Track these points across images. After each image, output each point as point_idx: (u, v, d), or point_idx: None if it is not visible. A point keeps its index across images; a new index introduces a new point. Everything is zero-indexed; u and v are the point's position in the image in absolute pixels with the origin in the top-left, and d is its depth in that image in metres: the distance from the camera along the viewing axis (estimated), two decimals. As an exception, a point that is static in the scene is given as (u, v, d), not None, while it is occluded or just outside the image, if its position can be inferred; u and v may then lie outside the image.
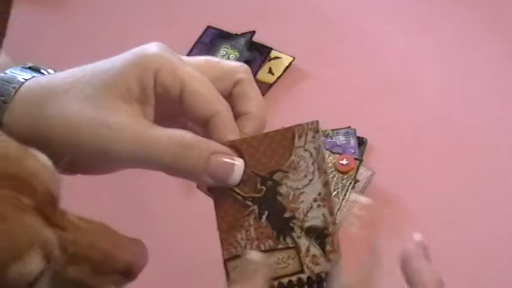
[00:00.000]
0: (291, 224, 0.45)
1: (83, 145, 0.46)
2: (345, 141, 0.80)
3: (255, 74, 0.87)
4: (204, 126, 0.47)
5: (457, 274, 0.72)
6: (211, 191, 0.46)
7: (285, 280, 0.45)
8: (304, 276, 0.45)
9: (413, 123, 0.83)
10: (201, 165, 0.44)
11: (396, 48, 0.91)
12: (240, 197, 0.46)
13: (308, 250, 0.45)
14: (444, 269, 0.73)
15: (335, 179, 0.76)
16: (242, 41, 0.89)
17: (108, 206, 0.77)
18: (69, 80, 0.51)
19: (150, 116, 0.47)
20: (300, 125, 0.46)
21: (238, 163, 0.45)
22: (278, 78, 0.88)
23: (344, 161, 0.76)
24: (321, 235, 0.45)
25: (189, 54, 0.90)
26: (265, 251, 0.45)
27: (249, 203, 0.45)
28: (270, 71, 0.88)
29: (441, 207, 0.76)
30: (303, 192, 0.45)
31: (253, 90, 0.50)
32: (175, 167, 0.45)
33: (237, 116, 0.48)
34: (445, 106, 0.85)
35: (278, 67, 0.88)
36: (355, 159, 0.77)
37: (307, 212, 0.45)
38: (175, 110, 0.47)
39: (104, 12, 0.99)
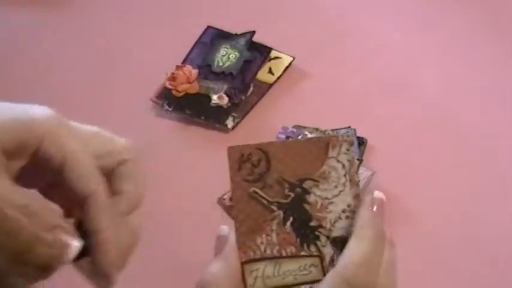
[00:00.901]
0: (317, 233, 0.46)
1: None
2: (345, 141, 0.80)
3: (255, 74, 0.87)
4: (79, 203, 0.46)
5: (457, 274, 0.72)
6: (232, 192, 0.46)
7: (305, 287, 0.45)
8: None
9: (413, 123, 0.84)
10: (39, 236, 0.42)
11: (396, 48, 0.91)
12: (264, 201, 0.45)
13: (332, 259, 0.45)
14: (444, 269, 0.73)
15: (335, 179, 0.76)
16: (242, 41, 0.89)
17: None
18: None
19: (13, 171, 0.46)
20: (335, 136, 0.46)
21: (75, 244, 0.44)
22: (278, 78, 0.88)
23: (344, 161, 0.76)
24: (345, 245, 0.45)
25: (189, 54, 0.90)
26: (286, 257, 0.45)
27: (274, 207, 0.45)
28: (270, 71, 0.88)
29: (441, 207, 0.76)
30: (332, 202, 0.46)
31: (135, 172, 0.50)
32: None
33: (114, 192, 0.48)
34: (445, 106, 0.85)
35: (278, 67, 0.88)
36: (355, 159, 0.77)
37: (335, 222, 0.46)
38: (54, 178, 0.47)
39: (104, 12, 0.99)
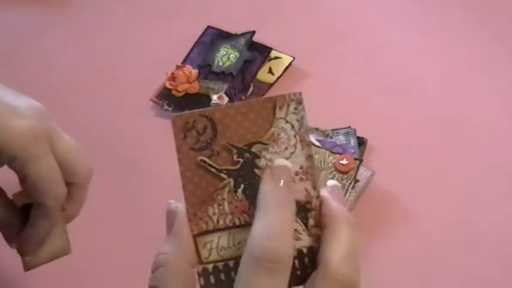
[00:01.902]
0: None
1: None
2: (345, 141, 0.80)
3: (255, 74, 0.87)
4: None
5: (457, 274, 0.72)
6: (179, 162, 0.44)
7: None
8: None
9: (413, 123, 0.84)
10: None
11: (396, 48, 0.91)
12: (213, 169, 0.43)
13: None
14: (444, 268, 0.73)
15: (335, 179, 0.76)
16: (242, 41, 0.89)
17: (108, 206, 0.77)
18: None
19: None
20: (282, 95, 0.44)
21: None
22: (278, 78, 0.88)
23: (344, 161, 0.76)
24: (303, 209, 0.43)
25: (189, 54, 0.90)
26: (240, 226, 0.43)
27: (224, 175, 0.43)
28: (270, 71, 0.88)
29: (441, 207, 0.76)
30: None
31: (81, 196, 0.57)
32: None
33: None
34: (446, 106, 0.85)
35: (278, 67, 0.88)
36: (355, 159, 0.77)
37: None
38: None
39: (104, 12, 0.99)
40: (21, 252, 0.56)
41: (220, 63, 0.88)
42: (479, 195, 0.77)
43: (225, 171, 0.44)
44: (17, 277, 0.72)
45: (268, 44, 0.89)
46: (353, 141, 0.80)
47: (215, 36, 0.91)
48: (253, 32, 0.90)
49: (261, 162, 0.43)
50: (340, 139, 0.80)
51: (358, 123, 0.81)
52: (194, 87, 0.86)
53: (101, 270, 0.73)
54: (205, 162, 0.44)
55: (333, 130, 0.81)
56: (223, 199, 0.43)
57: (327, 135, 0.81)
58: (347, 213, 0.43)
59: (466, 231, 0.74)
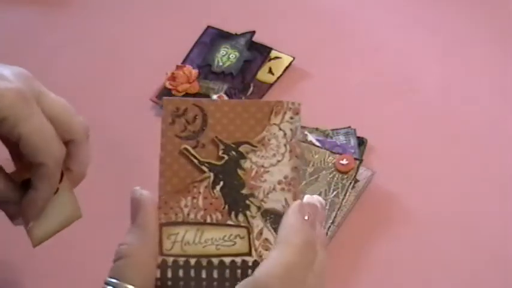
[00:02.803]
0: (248, 202, 0.42)
1: None
2: (345, 141, 0.80)
3: (255, 74, 0.87)
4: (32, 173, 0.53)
5: (457, 274, 0.72)
6: (161, 146, 0.43)
7: (227, 259, 0.41)
8: (250, 260, 0.41)
9: (413, 123, 0.84)
10: None
11: (396, 48, 0.91)
12: (195, 160, 0.42)
13: (261, 233, 0.42)
14: (444, 269, 0.73)
15: (335, 179, 0.76)
16: (242, 41, 0.89)
17: (108, 206, 0.77)
18: None
19: None
20: (280, 102, 0.44)
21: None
22: (278, 78, 0.88)
23: (344, 161, 0.76)
24: (278, 220, 0.42)
25: (189, 54, 0.90)
26: (211, 224, 0.41)
27: (205, 168, 0.42)
28: (270, 71, 0.88)
29: (441, 207, 0.76)
30: (268, 171, 0.42)
31: (82, 154, 0.56)
32: None
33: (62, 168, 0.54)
34: (446, 106, 0.85)
35: (278, 67, 0.88)
36: (355, 159, 0.77)
37: (269, 193, 0.42)
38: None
39: (104, 12, 0.99)
40: (26, 219, 0.54)
41: (220, 63, 0.88)
42: (479, 195, 0.77)
43: (207, 165, 0.42)
44: (18, 276, 0.72)
45: (268, 44, 0.89)
46: (353, 141, 0.80)
47: (215, 36, 0.91)
48: (253, 32, 0.90)
49: (246, 164, 0.42)
50: (340, 139, 0.80)
51: (358, 123, 0.81)
52: (194, 87, 0.86)
53: (101, 269, 0.73)
54: (188, 151, 0.42)
55: (333, 130, 0.81)
56: (199, 193, 0.42)
57: (327, 135, 0.81)
58: (307, 233, 0.41)
59: (466, 231, 0.74)
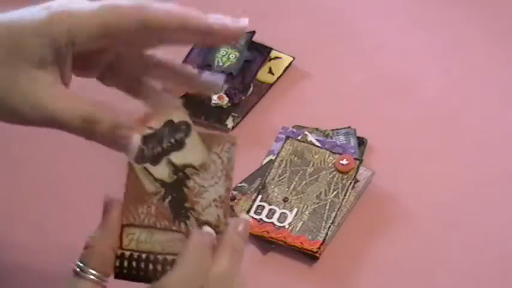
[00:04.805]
0: (188, 214, 0.52)
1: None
2: (345, 141, 0.80)
3: (255, 74, 0.87)
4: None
5: (458, 274, 0.72)
6: (129, 163, 0.53)
7: (169, 257, 0.52)
8: None
9: (413, 123, 0.83)
10: (106, 137, 0.52)
11: (396, 48, 0.91)
12: (151, 177, 0.52)
13: None
14: (444, 269, 0.73)
15: (335, 179, 0.76)
16: (242, 41, 0.89)
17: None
18: None
19: (67, 76, 0.53)
20: (221, 135, 0.55)
21: (135, 140, 0.52)
22: (278, 78, 0.88)
23: (344, 161, 0.76)
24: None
25: (189, 54, 0.90)
26: (159, 229, 0.52)
27: (158, 184, 0.52)
28: (270, 71, 0.88)
29: (441, 207, 0.76)
30: (207, 190, 0.52)
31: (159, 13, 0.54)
32: (83, 134, 0.52)
33: None
34: (446, 106, 0.85)
35: (278, 67, 0.88)
36: (355, 159, 0.77)
37: (206, 208, 0.52)
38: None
39: (104, 12, 0.99)
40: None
41: (220, 63, 0.88)
42: (480, 195, 0.77)
43: (160, 182, 0.52)
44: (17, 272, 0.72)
45: (268, 44, 0.89)
46: (353, 141, 0.80)
47: (215, 36, 0.91)
48: (253, 32, 0.90)
49: (190, 183, 0.52)
50: (340, 139, 0.80)
51: (358, 123, 0.81)
52: (194, 87, 0.86)
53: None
54: (147, 170, 0.52)
55: (333, 130, 0.81)
56: (152, 203, 0.52)
57: (327, 135, 0.81)
58: (198, 250, 0.50)
59: (466, 231, 0.74)
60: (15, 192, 0.79)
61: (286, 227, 0.73)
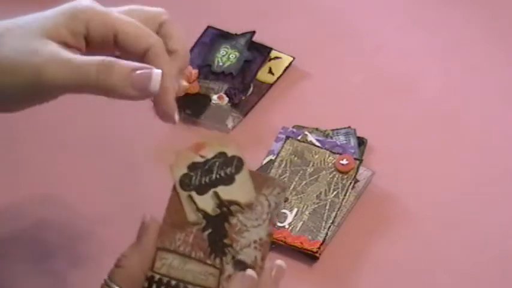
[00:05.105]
0: (226, 250, 0.51)
1: (17, 73, 0.53)
2: (345, 141, 0.80)
3: (255, 74, 0.87)
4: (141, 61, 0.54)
5: (458, 274, 0.72)
6: (173, 187, 0.52)
7: None
8: None
9: (413, 123, 0.83)
10: (123, 78, 0.51)
11: (396, 48, 0.91)
12: (195, 206, 0.51)
13: (229, 277, 0.51)
14: (444, 269, 0.73)
15: (335, 179, 0.76)
16: (242, 41, 0.89)
17: (108, 206, 0.77)
18: (2, 26, 0.57)
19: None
20: (273, 178, 0.54)
21: (156, 71, 0.51)
22: (278, 78, 0.88)
23: (344, 161, 0.76)
24: (245, 271, 0.51)
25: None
26: (194, 259, 0.51)
27: (200, 215, 0.51)
28: (270, 71, 0.88)
29: (441, 207, 0.76)
30: (249, 230, 0.51)
31: (177, 31, 0.57)
32: (101, 85, 0.52)
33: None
34: (446, 106, 0.85)
35: (278, 67, 0.88)
36: (355, 159, 0.77)
37: (244, 247, 0.51)
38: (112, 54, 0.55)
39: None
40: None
41: (220, 63, 0.88)
42: (480, 195, 0.77)
43: (202, 213, 0.51)
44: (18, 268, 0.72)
45: (268, 44, 0.89)
46: (353, 141, 0.80)
47: (215, 36, 0.91)
48: (253, 32, 0.90)
49: (233, 221, 0.51)
50: (340, 139, 0.80)
51: (358, 123, 0.81)
52: (194, 87, 0.86)
53: (101, 268, 0.73)
54: (192, 198, 0.51)
55: (333, 130, 0.81)
56: (191, 232, 0.51)
57: (327, 135, 0.81)
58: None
59: (466, 231, 0.74)
60: (15, 192, 0.78)
61: (286, 227, 0.73)
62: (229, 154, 0.51)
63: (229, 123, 0.83)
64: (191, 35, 0.92)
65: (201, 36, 0.92)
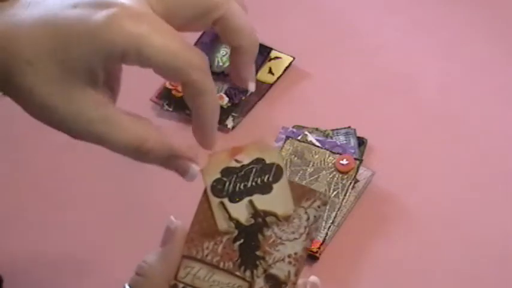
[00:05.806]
0: (258, 262, 0.47)
1: (61, 128, 0.45)
2: (345, 141, 0.80)
3: (255, 74, 0.87)
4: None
5: (457, 274, 0.72)
6: (204, 192, 0.48)
7: None
8: None
9: (413, 123, 0.84)
10: (159, 163, 0.46)
11: (396, 48, 0.91)
12: (227, 215, 0.47)
13: None
14: (444, 268, 0.73)
15: (335, 179, 0.76)
16: (242, 41, 0.89)
17: (108, 206, 0.77)
18: (30, 45, 0.43)
19: (114, 98, 0.48)
20: (314, 190, 0.48)
21: (193, 167, 0.46)
22: (278, 78, 0.88)
23: (344, 161, 0.76)
24: (277, 286, 0.48)
25: (189, 54, 0.90)
26: (222, 270, 0.47)
27: (232, 224, 0.47)
28: (270, 71, 0.88)
29: (441, 207, 0.76)
30: (284, 244, 0.47)
31: (241, 22, 0.50)
32: (136, 160, 0.47)
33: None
34: (446, 106, 0.85)
35: (278, 67, 0.88)
36: (355, 159, 0.77)
37: (277, 261, 0.47)
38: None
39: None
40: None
41: (220, 63, 0.88)
42: (479, 195, 0.77)
43: (235, 222, 0.47)
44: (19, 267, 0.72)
45: (268, 44, 0.89)
46: (353, 141, 0.80)
47: (215, 37, 0.91)
48: (253, 32, 0.90)
49: (268, 232, 0.47)
50: (340, 139, 0.80)
51: (358, 123, 0.81)
52: (194, 87, 0.86)
53: (102, 267, 0.73)
54: (224, 205, 0.47)
55: (333, 130, 0.81)
56: (221, 241, 0.47)
57: (327, 135, 0.81)
58: None
59: (466, 231, 0.74)
60: (15, 192, 0.79)
61: (286, 227, 0.73)
62: (268, 161, 0.48)
63: (229, 123, 0.83)
64: (191, 35, 0.92)
65: (201, 36, 0.92)
